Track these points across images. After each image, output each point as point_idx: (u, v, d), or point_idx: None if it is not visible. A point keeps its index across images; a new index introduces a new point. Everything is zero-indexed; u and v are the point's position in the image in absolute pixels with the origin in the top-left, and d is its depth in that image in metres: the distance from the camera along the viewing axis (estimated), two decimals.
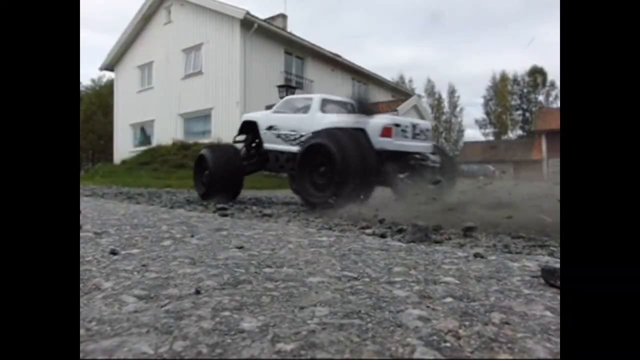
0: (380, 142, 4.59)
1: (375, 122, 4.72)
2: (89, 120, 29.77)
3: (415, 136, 4.92)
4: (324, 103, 5.57)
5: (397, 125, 4.73)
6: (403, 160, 4.68)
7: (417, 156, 4.82)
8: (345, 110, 5.67)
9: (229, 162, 5.85)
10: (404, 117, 5.30)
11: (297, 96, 6.25)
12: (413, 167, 4.64)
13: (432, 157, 4.98)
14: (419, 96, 25.79)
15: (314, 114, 5.35)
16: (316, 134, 4.79)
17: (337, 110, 5.61)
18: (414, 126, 4.96)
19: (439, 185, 4.24)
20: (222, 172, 5.75)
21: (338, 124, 4.85)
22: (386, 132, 4.61)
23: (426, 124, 5.30)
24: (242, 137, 6.49)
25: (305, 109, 5.55)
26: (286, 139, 5.56)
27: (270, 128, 5.85)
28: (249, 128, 6.27)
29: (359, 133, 4.60)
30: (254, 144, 6.30)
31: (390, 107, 18.58)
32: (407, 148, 4.77)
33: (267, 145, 5.87)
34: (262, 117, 6.11)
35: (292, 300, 1.14)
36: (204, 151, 6.20)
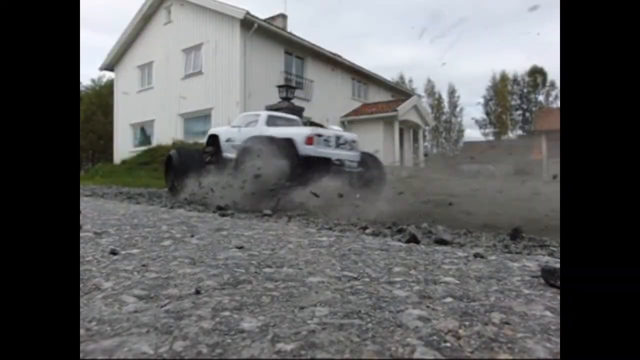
0: (305, 149, 5.34)
1: (301, 132, 5.59)
2: (89, 120, 29.68)
3: (339, 145, 5.72)
4: (270, 118, 6.65)
5: (320, 135, 5.55)
6: (325, 165, 5.32)
7: (337, 162, 5.54)
8: (290, 125, 6.72)
9: (188, 163, 6.87)
10: (328, 129, 6.23)
11: (249, 113, 7.42)
12: (333, 172, 5.28)
13: (350, 163, 5.74)
14: (419, 96, 25.72)
15: (260, 128, 6.31)
16: (247, 140, 5.65)
17: (283, 125, 6.61)
18: (338, 137, 5.78)
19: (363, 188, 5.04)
20: (183, 171, 6.72)
21: (274, 135, 5.64)
22: (309, 141, 5.39)
23: (351, 135, 6.17)
24: (210, 149, 7.43)
25: (255, 123, 6.54)
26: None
27: (228, 140, 6.86)
28: (214, 140, 7.26)
29: (286, 141, 5.38)
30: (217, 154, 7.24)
31: (390, 107, 18.60)
32: (329, 155, 5.48)
33: (225, 155, 6.79)
34: (222, 131, 7.24)
35: (292, 300, 1.14)
36: (171, 152, 7.33)
